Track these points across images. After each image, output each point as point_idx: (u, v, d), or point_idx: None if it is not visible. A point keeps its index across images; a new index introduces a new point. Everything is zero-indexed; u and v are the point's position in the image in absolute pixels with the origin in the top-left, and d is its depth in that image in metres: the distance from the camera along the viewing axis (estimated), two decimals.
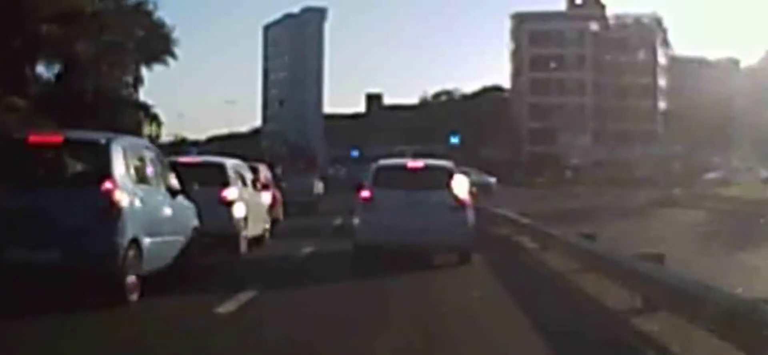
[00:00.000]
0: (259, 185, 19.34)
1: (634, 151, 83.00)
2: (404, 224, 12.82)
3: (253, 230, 15.59)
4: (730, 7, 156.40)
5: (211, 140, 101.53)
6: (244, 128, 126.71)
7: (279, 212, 21.64)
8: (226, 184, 14.49)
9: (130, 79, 55.92)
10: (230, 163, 15.48)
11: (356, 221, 13.50)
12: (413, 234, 12.79)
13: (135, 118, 55.31)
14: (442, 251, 13.54)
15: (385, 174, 14.02)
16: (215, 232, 13.35)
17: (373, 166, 14.48)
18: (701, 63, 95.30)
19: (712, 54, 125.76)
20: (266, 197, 19.21)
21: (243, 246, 14.64)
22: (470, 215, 13.52)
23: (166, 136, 67.48)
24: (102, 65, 51.12)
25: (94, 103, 46.52)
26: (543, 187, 59.17)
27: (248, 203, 15.24)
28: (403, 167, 14.59)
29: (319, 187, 35.03)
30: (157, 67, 57.87)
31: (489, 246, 16.84)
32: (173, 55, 57.17)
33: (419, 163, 14.62)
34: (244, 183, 15.85)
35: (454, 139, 71.16)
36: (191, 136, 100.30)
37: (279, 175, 22.23)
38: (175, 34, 54.97)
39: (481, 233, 19.51)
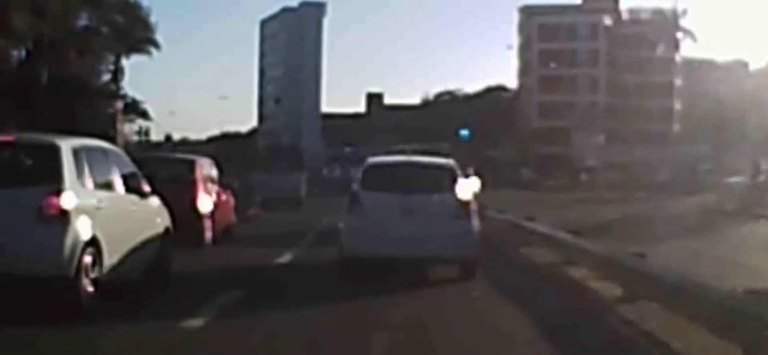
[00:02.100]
0: (180, 187, 14.64)
1: (654, 151, 78.04)
2: (398, 233, 11.26)
3: (122, 265, 8.97)
4: (737, 10, 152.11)
5: (211, 140, 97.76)
6: (243, 128, 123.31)
7: (230, 217, 18.22)
8: (57, 183, 8.01)
9: (105, 67, 51.60)
10: (71, 144, 8.52)
11: (342, 230, 11.83)
12: (409, 245, 11.17)
13: (109, 110, 50.69)
14: (443, 263, 11.82)
15: (376, 174, 12.22)
16: (26, 272, 7.55)
17: (364, 164, 12.71)
18: (710, 65, 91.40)
19: (719, 56, 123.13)
20: (196, 204, 15.32)
21: (87, 294, 8.11)
22: (475, 222, 11.78)
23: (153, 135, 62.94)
24: (69, 51, 46.54)
25: (53, 92, 42.01)
26: (559, 190, 53.30)
27: (108, 217, 8.64)
28: (398, 166, 12.88)
29: (303, 188, 32.77)
30: (145, 60, 54.17)
31: (532, 288, 11.23)
32: (155, 44, 52.75)
33: (416, 159, 13.08)
34: (107, 184, 9.12)
35: (464, 132, 67.56)
36: (192, 136, 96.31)
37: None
38: (153, 19, 51.04)
39: (513, 262, 14.12)
